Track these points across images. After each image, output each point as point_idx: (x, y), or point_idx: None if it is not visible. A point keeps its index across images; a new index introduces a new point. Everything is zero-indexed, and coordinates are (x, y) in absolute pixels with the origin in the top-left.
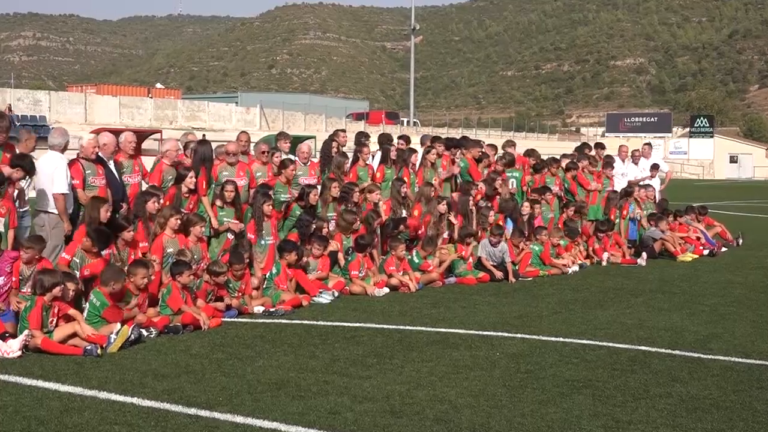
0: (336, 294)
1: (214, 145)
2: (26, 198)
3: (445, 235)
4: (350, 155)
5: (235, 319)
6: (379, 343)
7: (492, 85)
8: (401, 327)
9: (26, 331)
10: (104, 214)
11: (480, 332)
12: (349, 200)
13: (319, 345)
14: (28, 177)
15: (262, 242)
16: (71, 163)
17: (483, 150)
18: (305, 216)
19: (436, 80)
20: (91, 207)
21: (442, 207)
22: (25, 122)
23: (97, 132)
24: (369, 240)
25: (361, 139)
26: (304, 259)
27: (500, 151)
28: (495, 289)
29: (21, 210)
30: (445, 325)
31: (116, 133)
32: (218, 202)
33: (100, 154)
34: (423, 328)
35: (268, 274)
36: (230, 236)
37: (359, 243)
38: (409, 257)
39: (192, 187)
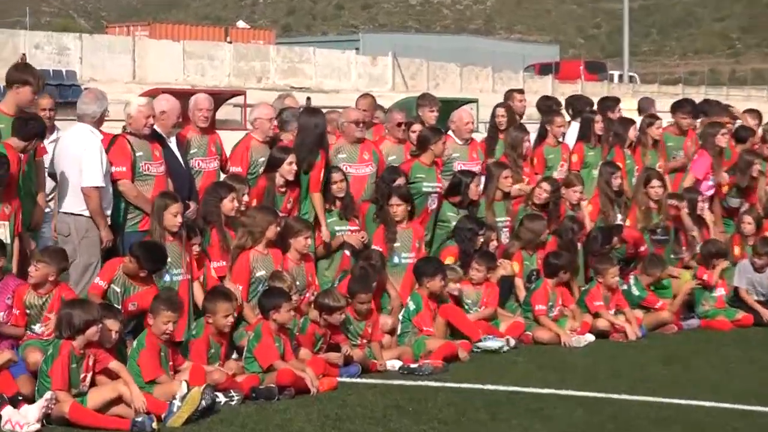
0: (512, 342)
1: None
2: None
3: (682, 253)
4: (532, 129)
5: (359, 380)
6: (581, 420)
7: (751, 17)
8: (614, 396)
9: (48, 393)
10: (172, 220)
11: (741, 406)
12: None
13: (488, 422)
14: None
15: (396, 260)
16: (113, 142)
17: (737, 120)
18: (468, 222)
19: (664, 12)
20: (157, 209)
21: (656, 189)
22: (46, 80)
23: (152, 94)
24: (565, 260)
25: (550, 104)
26: (453, 285)
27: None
28: (763, 339)
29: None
30: (684, 393)
31: (181, 95)
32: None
33: (156, 127)
34: (649, 399)
35: (403, 312)
36: (348, 252)
37: (550, 264)
38: (626, 287)
39: (291, 177)
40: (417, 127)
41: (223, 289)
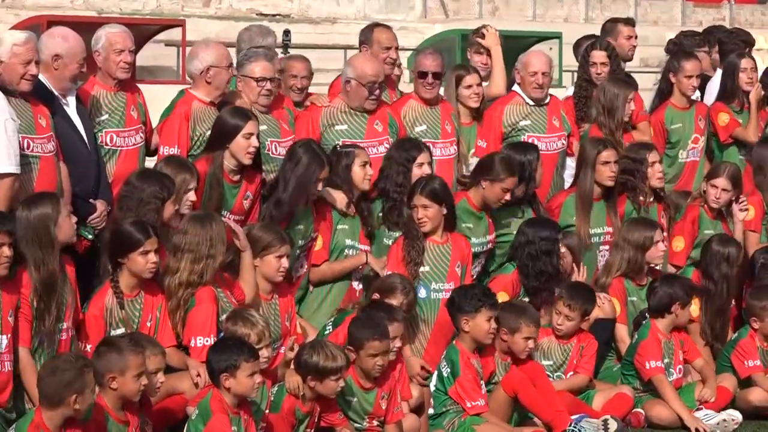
0: (613, 426)
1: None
2: None
3: None
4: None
5: None
6: None
7: None
8: None
9: None
10: (67, 230)
11: None
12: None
13: None
14: None
15: (422, 294)
16: None
17: None
18: (540, 227)
19: None
20: (26, 218)
21: None
22: None
23: (34, 25)
24: (681, 287)
25: (679, 40)
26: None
27: None
28: None
29: None
30: None
31: (82, 28)
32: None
33: (44, 79)
34: None
35: (435, 377)
36: (356, 283)
37: (656, 294)
38: None
39: (249, 159)
40: (472, 79)
41: (136, 335)
